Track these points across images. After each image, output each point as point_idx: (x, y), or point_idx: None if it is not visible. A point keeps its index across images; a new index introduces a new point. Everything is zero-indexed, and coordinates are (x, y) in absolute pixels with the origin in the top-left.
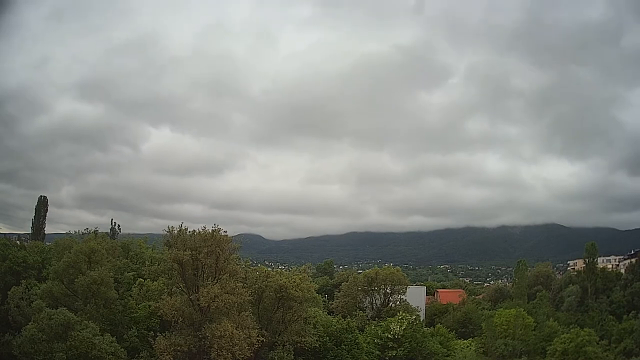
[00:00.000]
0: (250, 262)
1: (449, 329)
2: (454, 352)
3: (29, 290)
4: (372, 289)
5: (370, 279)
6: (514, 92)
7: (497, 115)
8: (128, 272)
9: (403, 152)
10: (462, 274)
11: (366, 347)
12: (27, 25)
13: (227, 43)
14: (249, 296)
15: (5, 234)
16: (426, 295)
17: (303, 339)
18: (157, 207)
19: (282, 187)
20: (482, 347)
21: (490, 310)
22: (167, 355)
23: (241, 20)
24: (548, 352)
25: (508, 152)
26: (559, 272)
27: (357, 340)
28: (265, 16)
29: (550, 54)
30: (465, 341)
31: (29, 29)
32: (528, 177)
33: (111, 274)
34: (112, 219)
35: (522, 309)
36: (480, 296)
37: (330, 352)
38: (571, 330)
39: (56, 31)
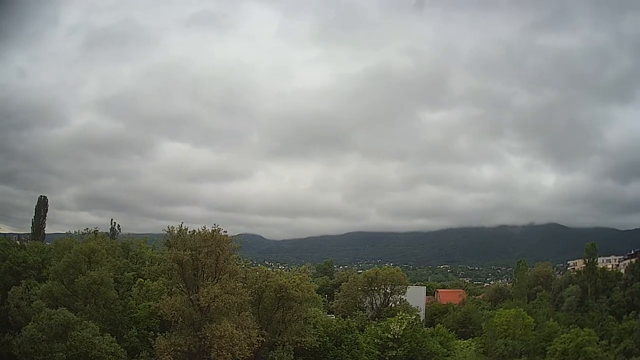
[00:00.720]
0: (250, 262)
1: (449, 329)
2: (454, 352)
3: (29, 290)
4: (372, 289)
5: (370, 279)
6: (508, 110)
7: (493, 131)
8: (128, 272)
9: (404, 163)
10: (462, 274)
11: (366, 347)
12: (63, 52)
13: (244, 69)
14: (249, 296)
15: (5, 234)
16: (426, 295)
17: (303, 339)
18: (157, 209)
19: (287, 192)
20: (482, 347)
21: (490, 310)
22: (167, 355)
23: (256, 48)
24: (548, 352)
25: (505, 163)
26: (559, 272)
27: (357, 340)
28: (279, 43)
29: (540, 76)
30: (465, 341)
31: (65, 56)
32: (525, 182)
33: (111, 274)
34: (112, 219)
35: (522, 309)
36: (480, 296)
37: (330, 352)
38: (571, 330)
39: (88, 58)
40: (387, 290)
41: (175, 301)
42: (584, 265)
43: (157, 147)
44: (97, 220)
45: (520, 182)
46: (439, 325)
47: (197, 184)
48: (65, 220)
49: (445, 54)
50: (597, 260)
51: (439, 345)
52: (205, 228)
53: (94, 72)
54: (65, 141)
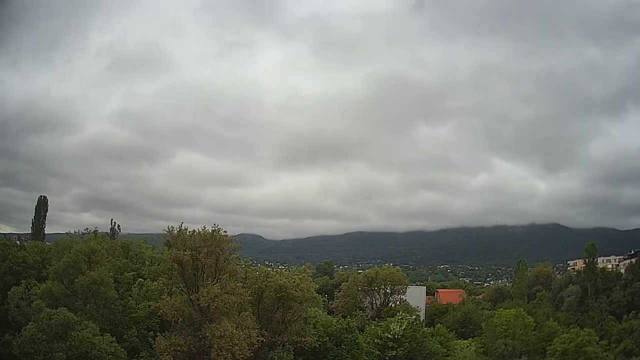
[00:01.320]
0: (250, 262)
1: (449, 329)
2: (454, 352)
3: (29, 290)
4: (372, 289)
5: (370, 279)
6: (505, 123)
7: (493, 143)
8: (128, 272)
9: (405, 172)
10: (462, 274)
11: (366, 347)
12: (90, 73)
13: (255, 89)
14: (249, 296)
15: (5, 234)
16: (426, 295)
17: (303, 339)
18: (159, 210)
19: (291, 197)
20: (482, 347)
21: (490, 310)
22: (167, 355)
23: (265, 69)
24: (548, 352)
25: (503, 170)
26: (559, 272)
27: (357, 340)
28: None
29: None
30: (465, 341)
31: (92, 76)
32: (524, 185)
33: (111, 274)
34: (111, 219)
35: (522, 309)
36: (480, 296)
37: (330, 352)
38: (571, 330)
39: (112, 78)
40: (387, 290)
41: (175, 301)
42: (584, 265)
43: (168, 156)
44: (97, 221)
45: (518, 185)
46: (439, 325)
47: (202, 189)
48: (65, 220)
49: (445, 73)
50: (597, 260)
51: (439, 345)
52: (205, 228)
53: (115, 90)
54: (76, 147)
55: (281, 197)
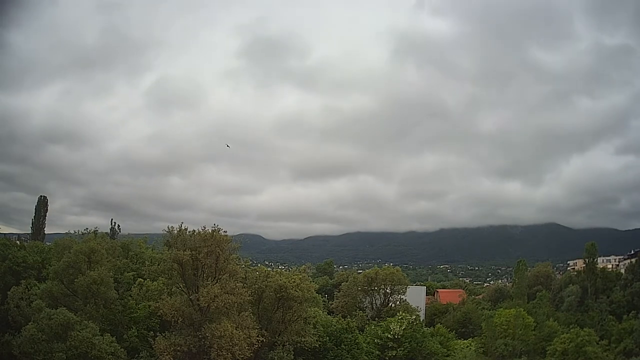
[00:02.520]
0: (250, 262)
1: (449, 329)
2: (454, 352)
3: (28, 290)
4: (372, 289)
5: (370, 279)
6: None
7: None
8: (128, 272)
9: (406, 181)
10: (462, 274)
11: (366, 347)
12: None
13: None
14: (249, 296)
15: (5, 234)
16: (426, 295)
17: (303, 339)
18: (161, 213)
19: (296, 202)
20: (482, 347)
21: (490, 310)
22: (167, 355)
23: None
24: (548, 352)
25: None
26: (559, 272)
27: (357, 340)
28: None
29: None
30: (465, 341)
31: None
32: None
33: (111, 274)
34: (112, 219)
35: (522, 309)
36: (480, 296)
37: (330, 352)
38: (571, 330)
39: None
40: (387, 290)
41: (175, 301)
42: (584, 265)
43: (184, 169)
44: (98, 222)
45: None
46: (439, 325)
47: (211, 197)
48: (66, 221)
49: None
50: (597, 260)
51: (439, 345)
52: (205, 228)
53: (151, 116)
54: (96, 158)
55: (285, 202)
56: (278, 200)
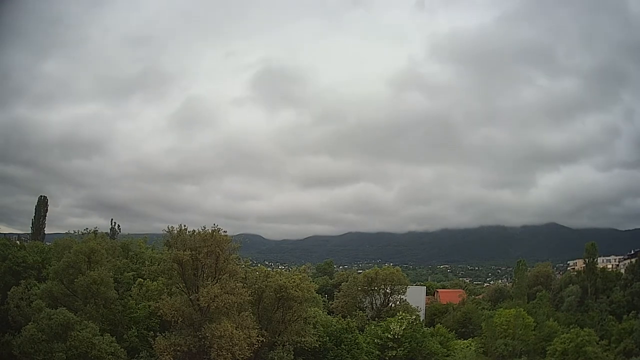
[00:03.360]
0: (250, 262)
1: (449, 329)
2: (454, 352)
3: (28, 290)
4: (372, 289)
5: (370, 279)
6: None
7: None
8: (128, 272)
9: (404, 191)
10: (462, 274)
11: (366, 347)
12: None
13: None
14: (249, 296)
15: (5, 234)
16: (426, 295)
17: (303, 339)
18: (163, 215)
19: (295, 203)
20: (482, 347)
21: (490, 310)
22: (167, 355)
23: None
24: (548, 352)
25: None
26: (559, 272)
27: (357, 340)
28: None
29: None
30: (465, 341)
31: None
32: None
33: (111, 274)
34: (112, 219)
35: (522, 309)
36: (480, 296)
37: (330, 352)
38: (571, 330)
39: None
40: (387, 290)
41: (175, 301)
42: (584, 265)
43: (195, 178)
44: (99, 222)
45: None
46: (439, 325)
47: (212, 199)
48: (66, 220)
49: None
50: (597, 260)
51: (439, 345)
52: (205, 228)
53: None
54: (103, 165)
55: (287, 206)
56: (280, 204)
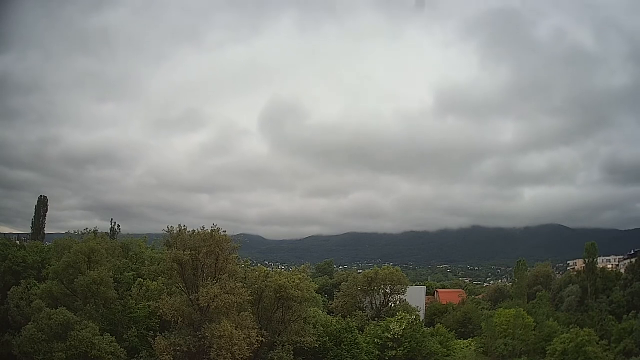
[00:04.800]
0: (250, 262)
1: (449, 329)
2: (454, 352)
3: (28, 290)
4: (372, 289)
5: (370, 279)
6: None
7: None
8: (128, 272)
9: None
10: (462, 274)
11: (366, 347)
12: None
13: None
14: (249, 296)
15: (5, 234)
16: (426, 295)
17: (303, 339)
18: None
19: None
20: (482, 347)
21: (490, 310)
22: (166, 355)
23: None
24: (548, 352)
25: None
26: (559, 272)
27: (357, 340)
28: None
29: None
30: (465, 341)
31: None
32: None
33: (111, 274)
34: (112, 219)
35: (522, 309)
36: (480, 296)
37: (330, 352)
38: (571, 330)
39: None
40: (387, 290)
41: (175, 301)
42: (584, 265)
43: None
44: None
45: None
46: (439, 325)
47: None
48: (66, 221)
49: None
50: (597, 260)
51: (439, 345)
52: (204, 228)
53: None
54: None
55: (288, 210)
56: (282, 208)
